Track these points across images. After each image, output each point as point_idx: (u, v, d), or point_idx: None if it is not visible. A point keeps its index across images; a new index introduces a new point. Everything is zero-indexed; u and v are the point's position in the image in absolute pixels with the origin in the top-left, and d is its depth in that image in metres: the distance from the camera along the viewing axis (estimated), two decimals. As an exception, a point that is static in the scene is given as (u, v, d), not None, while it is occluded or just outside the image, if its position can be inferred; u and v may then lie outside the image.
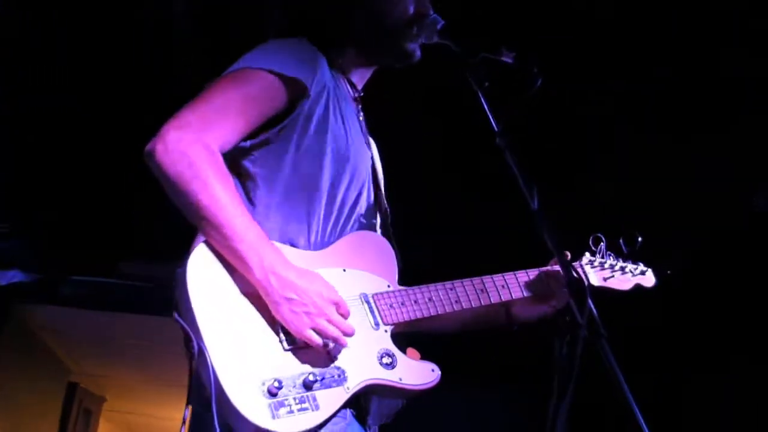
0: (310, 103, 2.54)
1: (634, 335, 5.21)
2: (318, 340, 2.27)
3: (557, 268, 2.85)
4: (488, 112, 2.36)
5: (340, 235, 2.58)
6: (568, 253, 2.63)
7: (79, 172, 6.18)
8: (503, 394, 6.21)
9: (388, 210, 2.89)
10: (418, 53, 2.81)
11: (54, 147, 5.98)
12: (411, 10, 2.77)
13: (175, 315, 2.25)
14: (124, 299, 7.25)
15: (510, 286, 2.81)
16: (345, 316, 2.35)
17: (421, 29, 2.72)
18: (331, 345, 2.30)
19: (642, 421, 1.95)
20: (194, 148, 2.27)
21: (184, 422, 2.24)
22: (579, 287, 2.10)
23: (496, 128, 2.34)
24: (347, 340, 2.34)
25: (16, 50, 5.22)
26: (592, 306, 2.05)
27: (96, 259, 7.07)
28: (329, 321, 2.29)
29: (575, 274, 2.14)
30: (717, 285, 5.87)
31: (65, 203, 6.46)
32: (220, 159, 2.34)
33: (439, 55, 2.65)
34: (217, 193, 2.26)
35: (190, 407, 2.25)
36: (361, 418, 2.51)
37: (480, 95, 2.40)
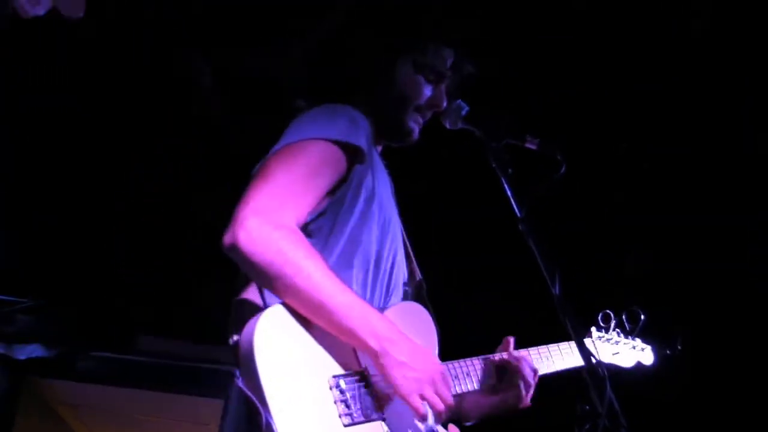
0: (363, 169, 2.52)
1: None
2: (422, 407, 2.26)
3: (505, 355, 2.84)
4: (512, 198, 2.36)
5: (385, 302, 2.56)
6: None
7: (100, 252, 6.21)
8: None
9: (422, 280, 2.87)
10: (416, 134, 2.82)
11: (75, 225, 6.03)
12: (424, 95, 2.78)
13: (239, 383, 2.18)
14: (141, 375, 7.20)
15: (472, 372, 2.78)
16: (448, 388, 2.35)
17: (445, 115, 2.73)
18: (430, 416, 2.28)
19: None
20: (278, 233, 2.23)
21: None
22: (599, 376, 2.08)
23: (519, 214, 2.33)
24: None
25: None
26: (612, 395, 2.04)
27: (115, 334, 7.06)
28: (435, 392, 2.28)
29: (596, 363, 2.12)
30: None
31: (87, 280, 6.48)
32: (304, 237, 2.30)
33: (465, 140, 2.65)
34: (312, 274, 2.22)
35: None
36: None
37: (503, 181, 2.39)
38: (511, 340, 2.90)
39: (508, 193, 2.38)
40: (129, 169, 5.56)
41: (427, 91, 2.78)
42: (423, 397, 2.27)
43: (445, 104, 2.77)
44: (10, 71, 4.58)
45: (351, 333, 2.25)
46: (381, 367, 2.27)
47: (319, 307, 2.23)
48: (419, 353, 2.32)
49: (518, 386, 2.80)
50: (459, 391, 2.65)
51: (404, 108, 2.77)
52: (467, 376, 2.68)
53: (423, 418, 2.27)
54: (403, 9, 2.85)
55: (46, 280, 6.50)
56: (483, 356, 2.81)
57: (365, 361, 2.36)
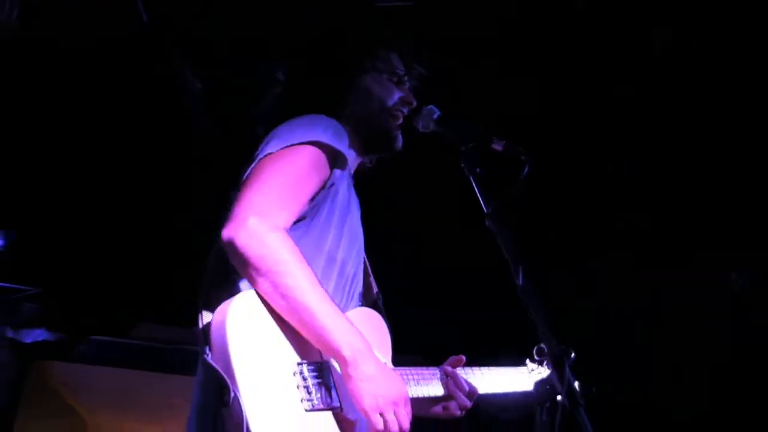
0: (340, 176, 2.51)
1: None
2: (380, 425, 2.21)
3: (450, 371, 2.82)
4: (479, 196, 2.32)
5: (345, 308, 2.48)
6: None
7: (102, 243, 6.17)
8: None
9: (378, 292, 2.84)
10: (400, 140, 2.80)
11: (82, 218, 5.99)
12: (396, 96, 2.78)
13: (208, 358, 2.14)
14: (138, 358, 7.25)
15: (429, 380, 2.77)
16: (408, 413, 2.29)
17: (418, 118, 2.69)
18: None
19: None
20: (274, 235, 2.21)
21: None
22: (560, 359, 2.04)
23: (486, 210, 2.29)
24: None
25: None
26: (571, 377, 1.99)
27: (112, 320, 7.08)
28: (395, 413, 2.24)
29: (559, 346, 2.08)
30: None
31: (89, 270, 6.47)
32: (293, 243, 2.27)
33: (436, 142, 2.61)
34: (300, 278, 2.20)
35: None
36: None
37: (472, 180, 2.35)
38: (462, 359, 2.89)
39: (477, 191, 2.34)
40: (125, 166, 5.49)
41: (395, 92, 2.78)
42: (382, 416, 2.23)
43: (415, 102, 2.78)
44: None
45: (326, 339, 2.21)
46: (348, 378, 2.22)
47: (302, 309, 2.20)
48: (388, 374, 2.29)
49: (457, 398, 2.80)
50: (414, 396, 2.62)
51: (380, 110, 2.76)
52: (417, 383, 2.66)
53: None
54: (355, 30, 2.92)
55: (51, 270, 6.49)
56: (433, 368, 2.80)
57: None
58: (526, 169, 2.30)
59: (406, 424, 2.27)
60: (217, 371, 2.08)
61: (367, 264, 2.80)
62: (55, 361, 7.73)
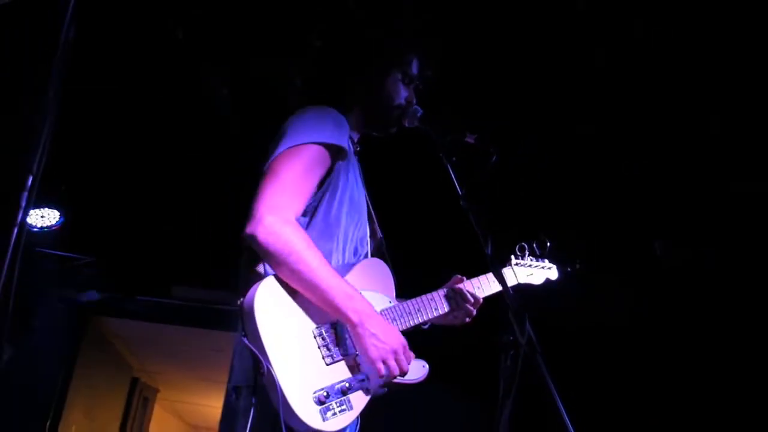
0: (342, 163, 2.53)
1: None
2: (383, 369, 2.29)
3: (456, 287, 2.82)
4: (455, 181, 2.36)
5: (353, 264, 2.54)
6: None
7: (146, 218, 6.21)
8: (458, 397, 6.10)
9: (382, 237, 2.85)
10: (394, 128, 2.79)
11: (130, 197, 6.01)
12: (403, 96, 2.77)
13: (245, 340, 2.21)
14: (176, 315, 7.27)
15: (437, 301, 2.77)
16: (408, 358, 2.36)
17: (405, 116, 2.72)
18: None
19: (569, 423, 1.92)
20: (288, 228, 2.27)
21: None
22: (521, 313, 2.08)
23: (460, 193, 2.33)
24: None
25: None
26: (530, 328, 2.04)
27: (155, 283, 7.09)
28: (396, 360, 2.31)
29: (517, 303, 2.12)
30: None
31: (135, 241, 6.49)
32: (305, 232, 2.34)
33: (419, 136, 2.65)
34: (312, 262, 2.26)
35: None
36: None
37: (449, 167, 2.39)
38: (462, 278, 2.89)
39: (452, 176, 2.37)
40: (167, 152, 5.51)
41: (403, 92, 2.77)
42: (385, 363, 2.30)
43: (415, 101, 2.78)
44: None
45: (337, 308, 2.28)
46: (357, 335, 2.30)
47: (316, 287, 2.26)
48: (388, 329, 2.35)
49: (465, 308, 2.81)
50: (424, 319, 2.66)
51: (388, 107, 2.75)
52: (428, 305, 2.69)
53: (381, 377, 2.31)
54: (382, 30, 2.86)
55: (103, 242, 6.51)
56: (437, 290, 2.79)
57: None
58: (493, 158, 2.35)
59: (406, 367, 2.33)
60: (252, 350, 2.17)
61: (372, 213, 2.81)
62: (107, 317, 7.78)
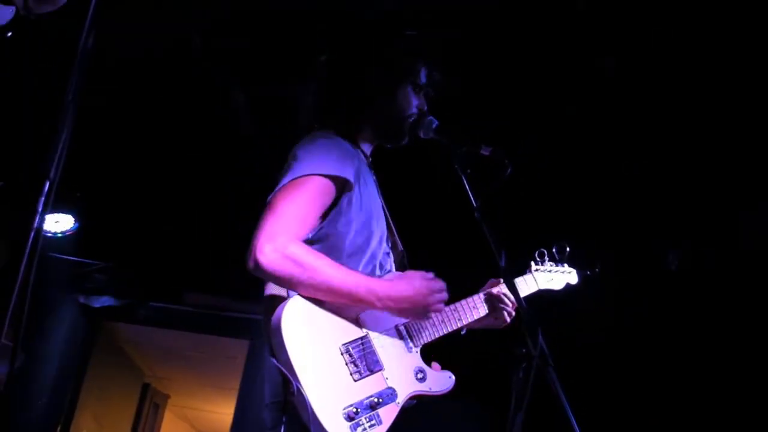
0: (350, 189, 2.51)
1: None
2: (433, 314, 2.51)
3: (494, 290, 2.85)
4: (469, 192, 2.36)
5: (380, 274, 2.58)
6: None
7: (158, 225, 6.23)
8: (470, 409, 6.05)
9: (403, 250, 2.85)
10: (406, 139, 2.79)
11: (142, 204, 6.03)
12: (414, 104, 2.77)
13: (274, 361, 2.22)
14: (188, 321, 7.28)
15: (477, 305, 2.80)
16: (441, 286, 2.47)
17: (420, 127, 2.71)
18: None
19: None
20: (290, 249, 2.27)
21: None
22: (534, 326, 2.07)
23: (474, 204, 2.33)
24: (393, 366, 2.42)
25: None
26: (543, 341, 2.03)
27: (167, 289, 7.10)
28: (429, 303, 2.44)
29: (531, 318, 2.11)
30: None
31: (148, 247, 6.51)
32: (306, 245, 2.34)
33: (435, 147, 2.65)
34: (323, 271, 2.28)
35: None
36: None
37: (463, 178, 2.39)
38: (499, 281, 2.90)
39: (467, 188, 2.37)
40: (179, 160, 5.54)
41: (414, 100, 2.77)
42: (429, 309, 2.44)
43: (426, 109, 2.79)
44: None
45: (359, 299, 2.33)
46: (390, 310, 2.40)
47: (335, 291, 2.30)
48: (408, 285, 2.43)
49: (503, 310, 2.84)
50: (465, 323, 2.71)
51: (399, 118, 2.75)
52: (467, 309, 2.74)
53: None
54: (394, 41, 2.88)
55: (116, 247, 6.54)
56: (475, 294, 2.82)
57: (364, 329, 2.41)
58: (508, 171, 2.34)
59: (441, 295, 2.47)
60: (282, 370, 2.19)
61: (392, 225, 2.81)
62: (119, 322, 7.80)
